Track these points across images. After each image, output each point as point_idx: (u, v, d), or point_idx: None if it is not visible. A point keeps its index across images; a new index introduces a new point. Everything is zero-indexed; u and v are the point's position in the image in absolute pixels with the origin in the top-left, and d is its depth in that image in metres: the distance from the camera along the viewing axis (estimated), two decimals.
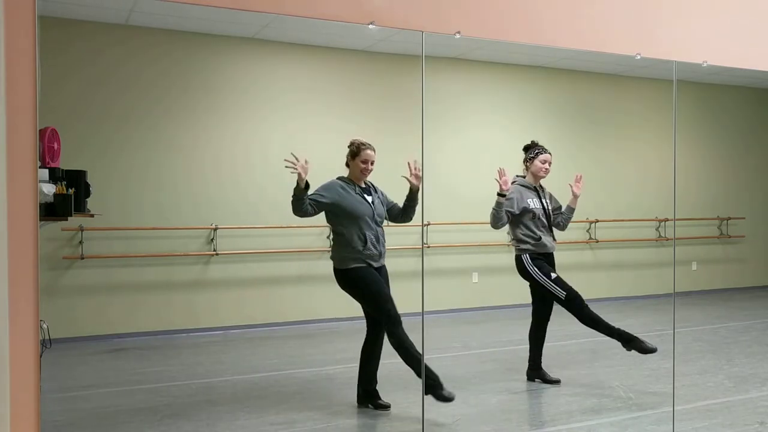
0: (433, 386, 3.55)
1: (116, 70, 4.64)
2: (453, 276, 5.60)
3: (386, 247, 3.77)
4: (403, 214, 3.83)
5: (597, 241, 6.10)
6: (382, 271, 3.77)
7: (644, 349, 3.91)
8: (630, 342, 3.97)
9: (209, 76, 5.11)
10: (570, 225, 4.43)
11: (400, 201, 3.82)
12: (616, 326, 4.06)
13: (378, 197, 3.80)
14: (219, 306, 4.96)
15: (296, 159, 3.51)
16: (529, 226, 4.17)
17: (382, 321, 3.63)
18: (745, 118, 6.98)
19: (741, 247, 6.93)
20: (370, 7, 2.82)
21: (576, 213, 4.37)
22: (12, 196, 2.25)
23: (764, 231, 7.01)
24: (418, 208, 3.77)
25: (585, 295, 6.05)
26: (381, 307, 3.62)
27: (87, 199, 3.39)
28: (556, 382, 4.19)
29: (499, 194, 4.02)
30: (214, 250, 4.90)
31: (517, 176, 4.31)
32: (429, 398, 3.46)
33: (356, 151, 3.75)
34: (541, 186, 4.31)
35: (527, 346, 4.30)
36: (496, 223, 4.07)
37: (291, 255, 5.23)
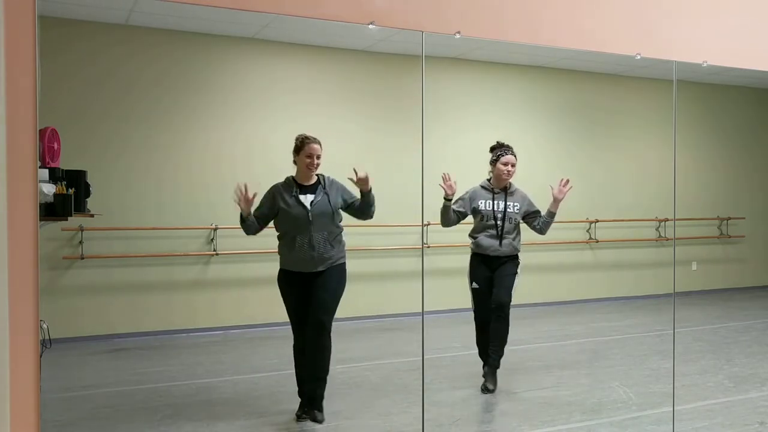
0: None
1: (116, 70, 4.64)
2: (453, 276, 5.58)
3: (346, 249, 3.68)
4: (358, 212, 3.72)
5: (597, 241, 6.09)
6: (322, 276, 3.62)
7: (483, 387, 4.04)
8: (485, 374, 4.05)
9: (209, 76, 5.11)
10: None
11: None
12: (499, 359, 4.10)
13: (325, 194, 3.65)
14: (219, 306, 4.96)
15: (242, 191, 3.53)
16: (475, 227, 4.20)
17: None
18: (745, 118, 6.98)
19: (741, 247, 6.92)
20: (370, 7, 2.82)
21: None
22: (12, 196, 2.25)
23: (764, 231, 7.01)
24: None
25: (585, 295, 6.05)
26: (290, 319, 3.66)
27: (87, 199, 3.39)
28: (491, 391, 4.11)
29: (444, 198, 4.04)
30: (214, 250, 4.90)
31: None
32: (429, 398, 3.46)
33: (300, 146, 3.66)
34: (506, 188, 4.21)
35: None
36: (442, 223, 4.14)
37: None
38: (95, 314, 4.42)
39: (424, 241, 5.07)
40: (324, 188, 3.67)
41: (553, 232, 5.74)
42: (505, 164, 4.17)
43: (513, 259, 4.20)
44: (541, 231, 4.27)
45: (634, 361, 4.79)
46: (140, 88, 4.73)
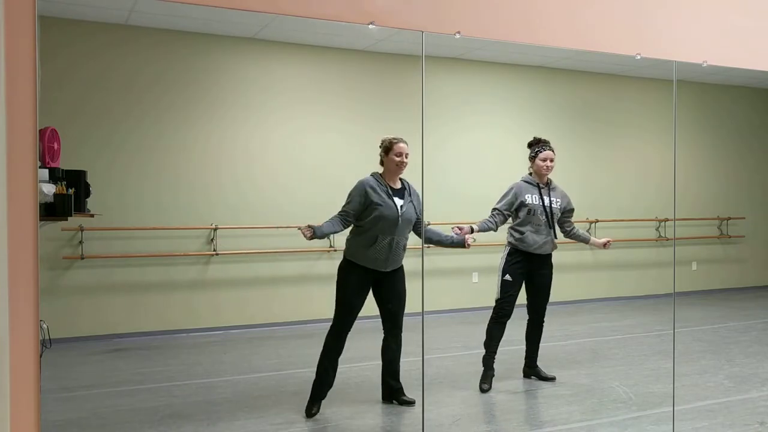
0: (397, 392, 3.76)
1: (116, 70, 4.64)
2: (453, 276, 5.59)
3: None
4: (427, 239, 3.77)
5: None
6: (390, 277, 3.71)
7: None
8: (488, 376, 4.09)
9: (208, 77, 5.11)
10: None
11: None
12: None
13: (411, 202, 3.72)
14: (219, 306, 4.96)
15: (303, 232, 3.54)
16: (522, 221, 4.15)
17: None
18: (745, 118, 6.98)
19: (741, 247, 6.93)
20: (370, 7, 2.82)
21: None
22: (12, 196, 2.25)
23: (764, 231, 7.01)
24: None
25: (585, 295, 6.06)
26: (337, 312, 3.67)
27: (87, 199, 3.39)
28: (551, 379, 4.20)
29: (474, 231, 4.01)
30: (214, 250, 4.90)
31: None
32: (429, 398, 3.46)
33: (389, 146, 3.70)
34: (548, 183, 4.24)
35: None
36: (491, 230, 4.13)
37: (291, 255, 5.23)
38: (95, 314, 4.42)
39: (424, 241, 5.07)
40: (410, 195, 3.74)
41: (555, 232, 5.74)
42: (544, 160, 4.17)
43: (549, 258, 4.25)
44: (569, 233, 4.30)
45: (634, 361, 4.79)
46: (140, 87, 4.74)
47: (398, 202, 3.67)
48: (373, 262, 3.63)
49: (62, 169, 3.00)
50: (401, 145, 3.68)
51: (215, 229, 4.90)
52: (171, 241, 4.77)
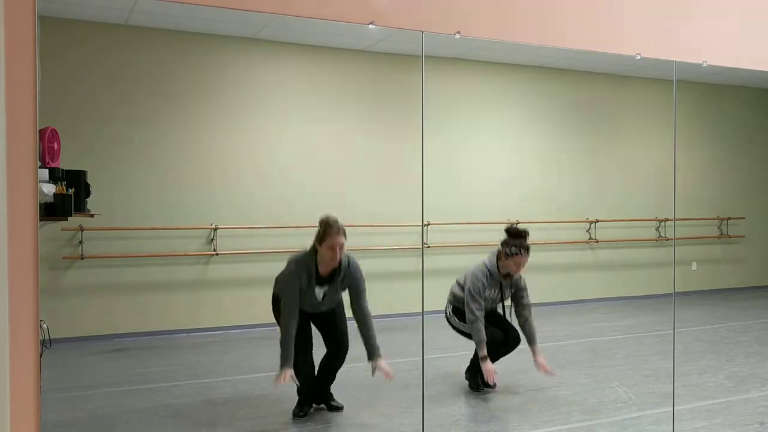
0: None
1: (115, 71, 4.64)
2: (453, 276, 5.58)
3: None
4: (353, 309, 3.63)
5: (597, 241, 6.09)
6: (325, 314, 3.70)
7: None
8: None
9: (208, 77, 5.11)
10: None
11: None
12: None
13: (338, 283, 3.58)
14: (219, 306, 4.96)
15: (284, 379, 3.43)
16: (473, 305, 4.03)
17: None
18: (745, 118, 6.98)
19: (741, 247, 6.92)
20: (370, 7, 2.82)
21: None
22: (12, 196, 2.25)
23: (764, 231, 7.01)
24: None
25: (585, 295, 6.06)
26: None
27: (87, 199, 3.40)
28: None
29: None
30: (214, 250, 4.90)
31: (494, 252, 4.10)
32: (429, 398, 3.46)
33: (322, 235, 3.47)
34: (508, 276, 4.09)
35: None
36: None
37: (291, 255, 5.23)
38: (95, 314, 4.42)
39: (424, 241, 5.07)
40: (339, 277, 3.56)
41: (553, 232, 5.76)
42: (518, 264, 4.00)
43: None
44: (522, 326, 4.11)
45: (634, 361, 4.79)
46: (140, 87, 4.74)
47: (319, 291, 3.56)
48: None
49: (62, 169, 3.00)
50: (337, 238, 3.43)
51: (215, 229, 4.90)
52: (171, 241, 4.77)
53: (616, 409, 3.79)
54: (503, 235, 4.05)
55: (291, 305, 3.50)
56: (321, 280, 3.56)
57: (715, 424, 3.56)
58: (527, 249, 4.01)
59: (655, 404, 3.86)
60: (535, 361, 4.00)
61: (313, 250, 3.53)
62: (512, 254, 3.99)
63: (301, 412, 3.64)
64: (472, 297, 4.00)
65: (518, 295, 4.14)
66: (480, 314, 3.98)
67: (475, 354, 4.03)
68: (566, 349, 5.05)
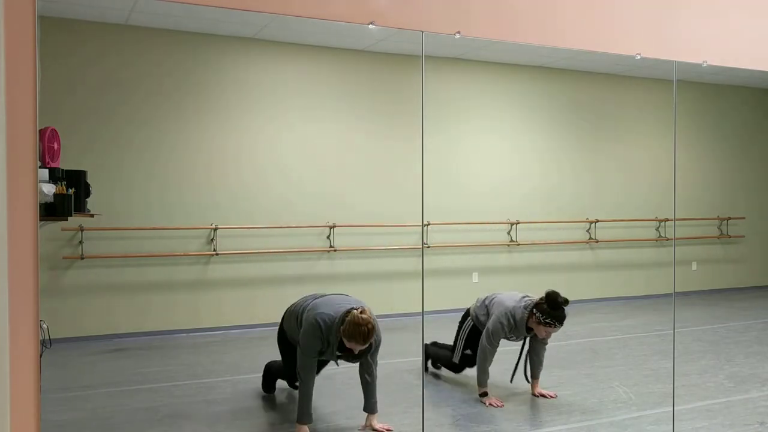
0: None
1: (116, 70, 4.63)
2: (453, 276, 5.59)
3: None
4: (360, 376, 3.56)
5: (597, 241, 6.09)
6: None
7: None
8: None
9: (208, 77, 5.10)
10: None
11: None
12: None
13: (362, 354, 3.44)
14: (219, 306, 4.96)
15: None
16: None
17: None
18: (745, 118, 6.98)
19: (741, 247, 6.92)
20: (370, 7, 2.82)
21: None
22: (12, 196, 2.25)
23: (764, 231, 7.00)
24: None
25: (585, 295, 6.06)
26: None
27: (87, 199, 3.40)
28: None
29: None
30: (214, 250, 4.90)
31: (528, 306, 3.94)
32: (429, 398, 3.46)
33: (346, 333, 3.31)
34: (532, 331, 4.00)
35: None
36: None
37: (291, 255, 5.23)
38: (95, 314, 4.42)
39: (424, 241, 5.07)
40: (365, 353, 3.45)
41: (553, 232, 5.76)
42: (548, 333, 3.93)
43: None
44: (540, 355, 4.11)
45: (634, 361, 4.79)
46: (140, 87, 4.73)
47: (339, 357, 3.48)
48: None
49: (62, 169, 3.00)
50: (358, 346, 3.32)
51: (215, 229, 4.89)
52: (171, 241, 4.77)
53: (616, 409, 3.79)
54: (541, 298, 3.90)
55: (310, 364, 3.43)
56: (343, 347, 3.42)
57: (715, 424, 3.56)
58: (563, 321, 3.85)
59: (655, 404, 3.86)
60: (535, 392, 4.04)
61: (339, 326, 3.39)
62: (546, 324, 3.84)
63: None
64: (489, 340, 3.96)
65: (536, 346, 4.09)
66: (490, 357, 3.96)
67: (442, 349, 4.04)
68: (566, 349, 5.05)
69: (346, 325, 3.30)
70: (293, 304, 3.78)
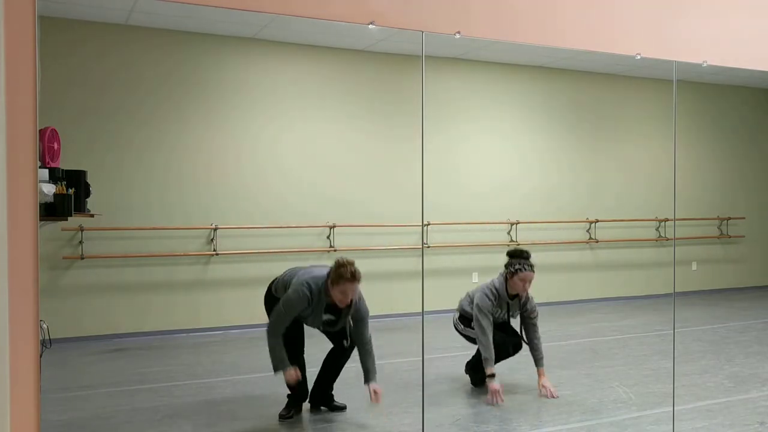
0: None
1: (116, 70, 4.64)
2: (453, 276, 5.59)
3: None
4: (353, 338, 3.60)
5: (597, 241, 6.09)
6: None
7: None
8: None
9: (208, 77, 5.11)
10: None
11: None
12: None
13: (345, 315, 3.55)
14: (219, 306, 4.96)
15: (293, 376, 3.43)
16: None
17: None
18: (745, 118, 6.98)
19: (741, 247, 6.92)
20: (370, 7, 2.82)
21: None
22: (12, 196, 2.25)
23: (764, 231, 7.01)
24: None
25: (585, 295, 6.06)
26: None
27: (87, 199, 3.40)
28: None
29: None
30: (214, 250, 4.90)
31: (502, 273, 4.09)
32: (429, 398, 3.46)
33: (335, 279, 3.42)
34: (516, 296, 4.10)
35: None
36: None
37: (291, 255, 5.23)
38: (95, 314, 4.42)
39: (424, 241, 5.07)
40: (347, 310, 3.54)
41: (554, 232, 5.76)
42: (523, 280, 4.00)
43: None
44: (530, 342, 4.12)
45: (634, 361, 4.79)
46: (140, 87, 4.74)
47: (326, 317, 3.54)
48: None
49: (62, 169, 3.00)
50: (347, 285, 3.40)
51: (215, 229, 4.90)
52: (171, 241, 4.77)
53: (616, 409, 3.79)
54: (505, 258, 4.07)
55: (285, 320, 3.48)
56: (330, 309, 3.54)
57: (715, 424, 3.56)
58: (531, 266, 4.00)
59: (655, 404, 3.86)
60: (539, 383, 4.02)
61: (327, 281, 3.49)
62: (516, 270, 3.99)
63: (288, 414, 3.63)
64: (480, 311, 4.00)
65: (526, 316, 4.12)
66: (489, 329, 3.97)
67: (479, 351, 4.03)
68: (566, 349, 5.05)
69: (332, 272, 3.41)
70: (282, 275, 3.77)
